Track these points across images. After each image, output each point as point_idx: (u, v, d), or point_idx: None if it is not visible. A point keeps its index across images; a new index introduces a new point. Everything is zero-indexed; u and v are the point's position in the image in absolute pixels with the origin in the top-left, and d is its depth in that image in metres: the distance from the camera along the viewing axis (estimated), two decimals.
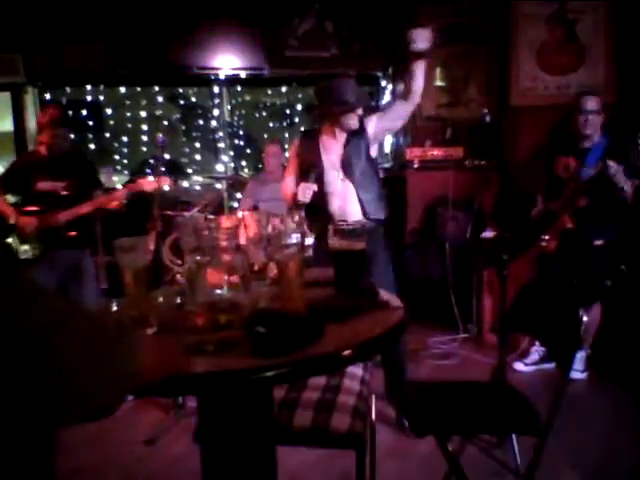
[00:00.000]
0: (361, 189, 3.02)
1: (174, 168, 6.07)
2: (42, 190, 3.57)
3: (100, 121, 6.18)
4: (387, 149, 5.49)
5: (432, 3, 4.98)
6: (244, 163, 6.34)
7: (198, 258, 1.45)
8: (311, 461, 2.59)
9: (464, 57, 5.08)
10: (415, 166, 4.91)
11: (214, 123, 5.67)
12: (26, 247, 3.53)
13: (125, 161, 6.33)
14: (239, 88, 5.85)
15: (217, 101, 5.54)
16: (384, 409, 3.08)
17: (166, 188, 3.76)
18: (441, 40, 4.59)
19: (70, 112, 5.75)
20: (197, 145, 6.44)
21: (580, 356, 3.54)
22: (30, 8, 4.68)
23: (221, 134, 5.59)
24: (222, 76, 5.17)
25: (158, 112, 6.42)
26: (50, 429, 0.91)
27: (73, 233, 3.61)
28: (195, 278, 1.42)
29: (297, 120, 6.70)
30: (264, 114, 6.80)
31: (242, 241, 1.63)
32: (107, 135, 6.36)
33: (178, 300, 1.61)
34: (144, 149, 6.37)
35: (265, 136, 6.63)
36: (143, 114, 6.33)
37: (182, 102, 6.58)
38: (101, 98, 6.07)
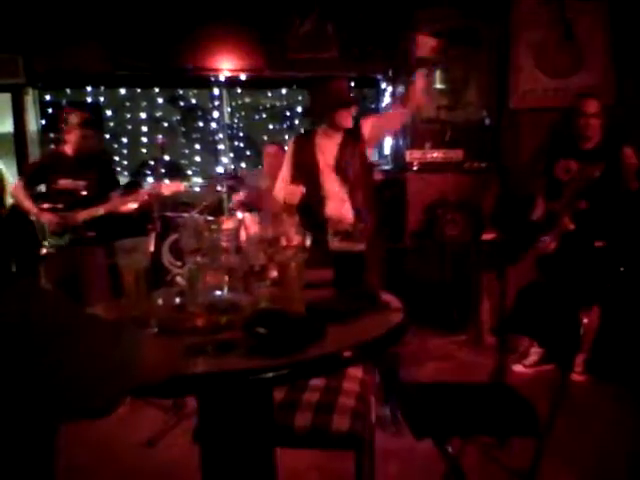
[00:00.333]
0: (354, 192, 3.03)
1: (174, 169, 6.08)
2: (63, 188, 3.65)
3: (100, 122, 6.18)
4: (387, 151, 5.50)
5: (431, 6, 4.99)
6: (244, 165, 6.35)
7: (198, 259, 1.45)
8: (311, 462, 2.59)
9: (463, 60, 5.08)
10: (415, 168, 4.92)
11: (214, 125, 5.68)
12: (45, 243, 3.63)
13: (125, 162, 6.34)
14: (239, 90, 5.86)
15: (217, 103, 5.54)
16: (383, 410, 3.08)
17: (181, 189, 3.82)
18: (446, 46, 4.63)
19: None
20: (197, 147, 6.45)
21: (579, 358, 3.54)
22: (31, 9, 4.69)
23: (221, 136, 5.59)
24: (222, 78, 5.17)
25: (158, 114, 6.44)
26: (50, 427, 0.91)
27: (91, 233, 3.67)
28: (195, 279, 1.42)
29: (297, 122, 6.71)
30: (264, 116, 6.81)
31: (242, 242, 1.64)
32: (107, 136, 6.37)
33: (178, 301, 1.62)
34: (144, 150, 6.38)
35: (265, 138, 6.64)
36: (143, 116, 6.34)
37: (182, 104, 6.59)
38: (101, 99, 6.08)
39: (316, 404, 1.94)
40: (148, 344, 1.03)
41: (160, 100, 6.34)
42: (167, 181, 3.72)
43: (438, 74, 5.11)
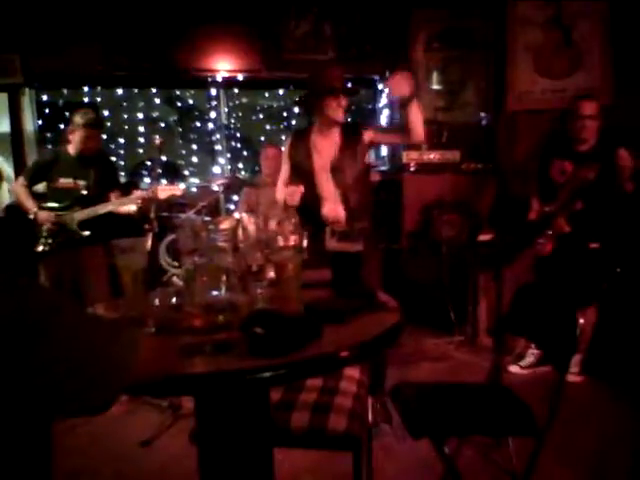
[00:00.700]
0: (350, 193, 3.01)
1: (171, 170, 6.07)
2: (63, 187, 3.68)
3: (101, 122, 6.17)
4: (384, 152, 5.51)
5: (429, 7, 5.00)
6: (241, 165, 6.34)
7: (196, 259, 1.45)
8: (308, 462, 2.59)
9: (461, 61, 5.10)
10: (412, 169, 4.92)
11: (211, 125, 5.67)
12: (42, 241, 3.63)
13: (122, 163, 6.32)
14: (236, 90, 5.85)
15: (214, 103, 5.54)
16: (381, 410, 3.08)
17: (179, 193, 3.83)
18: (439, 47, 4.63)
19: (67, 113, 5.77)
20: (194, 147, 6.43)
21: (575, 359, 3.55)
22: (28, 9, 4.68)
23: (218, 136, 5.59)
24: (219, 78, 5.17)
25: (155, 114, 6.42)
26: (46, 424, 0.91)
27: (87, 232, 3.69)
28: (193, 279, 1.43)
29: (294, 122, 6.71)
30: (261, 117, 6.80)
31: (240, 243, 1.64)
32: (104, 137, 6.35)
33: (175, 301, 1.62)
34: (141, 151, 6.36)
35: (262, 138, 6.64)
36: (140, 116, 6.32)
37: (179, 104, 6.58)
38: (98, 100, 6.06)
39: (313, 404, 1.94)
40: (145, 343, 1.03)
41: (157, 100, 6.32)
42: (164, 183, 3.72)
43: (435, 75, 5.12)
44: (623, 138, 3.44)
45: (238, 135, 6.28)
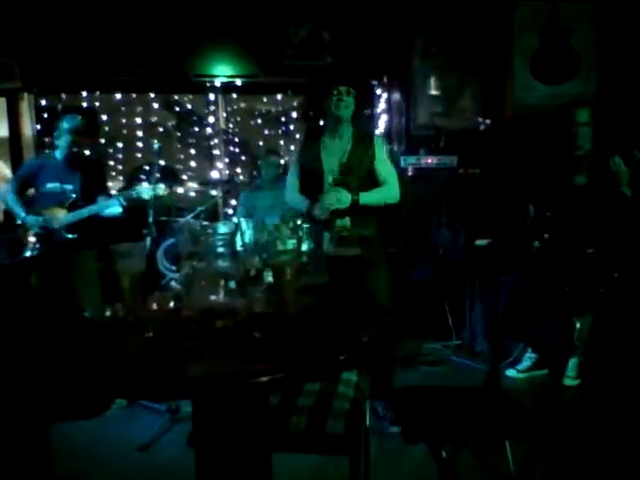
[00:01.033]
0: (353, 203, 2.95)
1: (169, 175, 6.08)
2: (50, 192, 3.69)
3: (95, 127, 6.18)
4: None
5: (426, 12, 5.02)
6: (239, 170, 6.35)
7: (194, 264, 1.46)
8: (306, 467, 2.59)
9: (458, 66, 5.12)
10: (409, 174, 4.93)
11: (209, 130, 5.69)
12: (29, 248, 3.64)
13: (120, 167, 6.33)
14: (235, 95, 5.87)
15: (212, 108, 5.55)
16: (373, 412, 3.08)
17: (162, 193, 3.81)
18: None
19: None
20: (192, 152, 6.44)
21: (572, 363, 3.56)
22: (26, 14, 4.69)
23: (216, 141, 5.60)
24: (218, 83, 5.18)
25: (153, 119, 6.43)
26: (42, 429, 0.92)
27: (71, 235, 3.69)
28: (192, 283, 1.43)
29: (292, 128, 6.72)
30: (259, 121, 6.81)
31: (238, 247, 1.65)
32: (102, 141, 6.36)
33: (173, 305, 1.63)
34: (139, 155, 6.37)
35: (260, 143, 6.65)
36: (138, 121, 6.33)
37: (177, 109, 6.59)
38: (97, 104, 6.07)
39: (311, 408, 1.94)
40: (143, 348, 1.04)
41: (155, 105, 6.34)
42: (146, 184, 3.72)
43: (432, 81, 5.14)
44: (617, 144, 3.46)
45: (236, 140, 6.29)
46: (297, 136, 6.72)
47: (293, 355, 1.22)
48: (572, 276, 3.43)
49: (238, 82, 5.20)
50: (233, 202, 5.26)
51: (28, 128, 5.04)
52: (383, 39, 5.11)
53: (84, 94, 5.74)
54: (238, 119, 6.46)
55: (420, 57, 5.11)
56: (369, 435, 2.27)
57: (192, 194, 5.92)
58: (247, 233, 1.86)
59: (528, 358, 3.77)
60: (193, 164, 6.40)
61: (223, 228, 1.66)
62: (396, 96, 5.12)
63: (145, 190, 3.70)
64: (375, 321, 1.52)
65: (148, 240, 3.49)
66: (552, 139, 3.81)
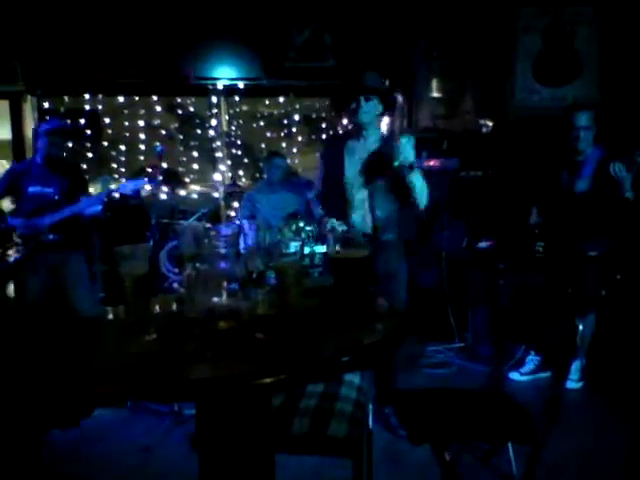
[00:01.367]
0: (376, 204, 2.93)
1: (172, 177, 6.09)
2: (32, 194, 3.72)
3: (98, 130, 6.20)
4: None
5: (429, 15, 5.03)
6: (241, 172, 6.36)
7: (197, 265, 1.46)
8: (308, 468, 2.59)
9: (460, 69, 5.12)
10: None
11: (212, 133, 5.69)
12: (13, 250, 3.65)
13: (123, 170, 6.34)
14: (237, 98, 5.88)
15: (215, 111, 5.57)
16: (381, 416, 3.08)
17: (143, 187, 3.85)
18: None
19: (68, 121, 5.80)
20: (195, 154, 6.45)
21: (575, 365, 3.56)
22: (29, 17, 4.71)
23: (219, 144, 5.61)
24: (220, 86, 5.19)
25: (156, 121, 6.44)
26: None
27: (57, 236, 3.70)
28: (194, 285, 1.43)
29: (295, 130, 6.73)
30: (262, 124, 6.82)
31: (241, 249, 1.65)
32: (105, 144, 6.38)
33: (176, 307, 1.63)
34: (142, 158, 6.38)
35: (263, 146, 6.65)
36: (141, 123, 6.34)
37: (180, 112, 6.60)
38: (99, 107, 6.09)
39: (314, 410, 1.94)
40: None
41: (158, 108, 6.35)
42: (125, 180, 3.75)
43: (434, 83, 5.15)
44: (619, 147, 3.46)
45: (239, 142, 6.30)
46: (299, 138, 6.73)
47: (296, 357, 1.22)
48: (575, 278, 3.43)
49: (240, 85, 5.21)
50: (235, 204, 5.26)
51: (31, 130, 5.06)
52: (385, 42, 5.12)
53: (87, 97, 5.76)
54: (240, 122, 6.47)
55: (422, 60, 5.11)
56: (372, 437, 2.27)
57: (195, 196, 5.92)
58: (250, 235, 1.86)
59: (531, 361, 3.76)
60: (195, 166, 6.41)
61: (226, 230, 1.67)
62: (398, 99, 5.12)
63: (126, 186, 3.74)
64: (381, 323, 1.52)
65: (151, 242, 3.50)
66: (553, 142, 3.81)
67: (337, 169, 3.00)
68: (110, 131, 6.31)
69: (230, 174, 5.75)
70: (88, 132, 6.10)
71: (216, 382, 1.18)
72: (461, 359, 4.15)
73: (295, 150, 6.84)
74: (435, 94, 5.15)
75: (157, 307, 1.66)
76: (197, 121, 6.43)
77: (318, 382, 2.10)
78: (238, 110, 6.35)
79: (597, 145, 3.51)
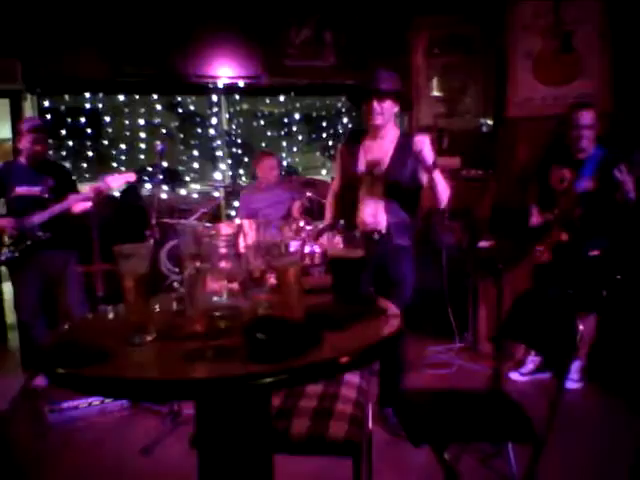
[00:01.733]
0: (390, 207, 2.89)
1: (172, 176, 6.09)
2: (20, 195, 3.73)
3: (98, 129, 6.20)
4: None
5: (429, 14, 5.02)
6: (242, 171, 6.37)
7: (198, 265, 1.46)
8: (308, 469, 2.59)
9: (461, 68, 5.12)
10: None
11: (212, 131, 5.70)
12: (5, 249, 3.67)
13: (123, 169, 6.35)
14: (237, 97, 5.88)
15: (215, 109, 5.57)
16: (381, 417, 3.08)
17: (131, 181, 3.87)
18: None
19: (69, 119, 5.81)
20: (195, 153, 6.46)
21: (576, 366, 3.55)
22: (29, 15, 4.70)
23: (219, 142, 5.61)
24: (220, 85, 5.19)
25: (156, 120, 6.45)
26: None
27: (47, 234, 3.71)
28: (195, 285, 1.43)
29: (295, 129, 6.74)
30: (262, 123, 6.84)
31: (241, 248, 1.64)
32: (105, 142, 6.38)
33: (176, 307, 1.63)
34: (142, 157, 6.39)
35: (263, 144, 6.66)
36: (141, 122, 6.35)
37: (180, 110, 6.61)
38: (100, 106, 6.09)
39: (313, 410, 1.94)
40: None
41: (159, 107, 6.36)
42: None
43: (435, 82, 5.14)
44: (623, 145, 3.45)
45: (239, 141, 6.31)
46: (300, 137, 6.73)
47: (296, 357, 1.22)
48: (576, 278, 3.43)
49: (241, 83, 5.20)
50: (236, 203, 5.26)
51: None
52: (385, 40, 5.11)
53: (87, 95, 5.76)
54: (241, 120, 6.47)
55: (423, 58, 5.11)
56: (372, 437, 2.26)
57: (195, 195, 5.93)
58: (250, 234, 1.85)
59: (531, 361, 3.76)
60: (196, 165, 6.42)
61: (226, 229, 1.66)
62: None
63: (113, 179, 3.75)
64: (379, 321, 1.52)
65: (151, 242, 3.49)
66: (555, 141, 3.81)
67: (352, 167, 2.98)
68: (110, 130, 6.32)
69: (230, 173, 5.75)
70: (88, 131, 6.10)
71: (216, 382, 1.18)
72: (461, 359, 4.15)
73: (295, 149, 6.84)
74: (436, 93, 5.15)
75: (157, 306, 1.66)
76: (197, 120, 6.44)
77: (318, 382, 2.10)
78: (238, 109, 6.36)
79: (598, 144, 3.51)
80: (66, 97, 5.81)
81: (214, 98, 5.49)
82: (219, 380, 1.17)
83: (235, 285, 1.43)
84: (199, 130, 6.40)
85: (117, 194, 4.98)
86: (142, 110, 6.31)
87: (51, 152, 4.15)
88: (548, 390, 1.95)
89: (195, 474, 1.52)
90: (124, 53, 4.92)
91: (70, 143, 6.16)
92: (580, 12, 4.71)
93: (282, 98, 6.42)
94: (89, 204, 3.81)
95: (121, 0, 4.81)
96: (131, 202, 5.00)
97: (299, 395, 2.06)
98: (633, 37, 4.47)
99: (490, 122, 5.05)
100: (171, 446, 2.93)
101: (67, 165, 5.65)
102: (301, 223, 3.63)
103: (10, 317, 4.77)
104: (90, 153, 6.25)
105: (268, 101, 6.75)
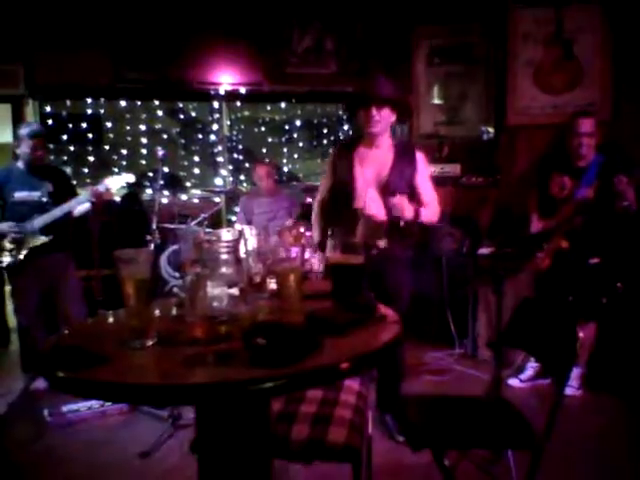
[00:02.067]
0: (394, 217, 2.83)
1: (173, 181, 6.11)
2: (19, 200, 3.74)
3: (100, 134, 6.22)
4: None
5: (430, 23, 5.05)
6: (243, 177, 6.38)
7: (198, 270, 1.46)
8: (307, 474, 2.58)
9: (461, 76, 5.14)
10: None
11: (213, 137, 5.71)
12: (6, 254, 3.67)
13: (124, 174, 6.36)
14: (238, 103, 5.90)
15: (216, 116, 5.58)
16: (381, 422, 3.08)
17: (129, 182, 3.89)
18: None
19: (70, 125, 5.83)
20: (196, 159, 6.48)
21: (575, 373, 3.55)
22: (32, 20, 4.73)
23: (220, 148, 5.63)
24: (222, 91, 5.21)
25: (158, 126, 6.47)
26: None
27: (48, 238, 3.73)
28: (195, 290, 1.43)
29: (296, 136, 6.75)
30: (263, 129, 6.86)
31: (242, 254, 1.65)
32: (107, 148, 6.40)
33: (176, 312, 1.63)
34: (143, 162, 6.41)
35: (264, 151, 6.68)
36: (143, 128, 6.37)
37: (182, 116, 6.63)
38: (101, 111, 6.11)
39: (313, 416, 1.94)
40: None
41: (160, 113, 6.39)
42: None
43: (436, 90, 5.16)
44: (623, 153, 3.46)
45: (240, 147, 6.33)
46: (300, 144, 6.75)
47: (296, 362, 1.22)
48: (576, 286, 3.43)
49: (242, 90, 5.22)
50: (236, 209, 5.28)
51: None
52: (386, 48, 5.13)
53: (89, 101, 5.78)
54: (242, 127, 6.49)
55: (424, 66, 5.13)
56: (371, 443, 2.26)
57: (195, 201, 5.94)
58: (250, 240, 1.86)
59: (531, 367, 3.76)
60: (197, 171, 6.43)
61: (227, 235, 1.67)
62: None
63: (112, 181, 3.76)
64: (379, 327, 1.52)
65: (151, 247, 3.50)
66: (555, 149, 3.82)
67: (347, 177, 2.90)
68: (112, 135, 6.33)
69: (231, 179, 5.76)
70: (90, 136, 6.11)
71: (216, 387, 1.18)
72: (461, 366, 4.15)
73: (296, 155, 6.86)
74: (436, 101, 5.16)
75: (157, 311, 1.66)
76: (198, 126, 6.46)
77: (317, 388, 2.10)
78: (239, 115, 6.38)
79: (598, 152, 3.52)
80: (67, 102, 5.83)
81: (215, 104, 5.51)
82: (219, 385, 1.18)
83: (235, 290, 1.43)
84: (200, 136, 6.42)
85: (118, 199, 4.99)
86: (143, 116, 6.34)
87: (52, 157, 4.15)
88: (548, 397, 1.95)
89: (195, 478, 1.52)
90: (126, 59, 4.95)
91: (71, 148, 6.19)
92: (581, 21, 4.72)
93: (283, 105, 6.44)
94: (88, 205, 3.81)
95: (123, 6, 4.84)
96: (132, 207, 5.01)
97: (299, 400, 2.06)
98: (634, 46, 4.49)
99: (491, 130, 5.06)
100: (171, 450, 2.93)
101: (68, 170, 5.68)
102: (301, 229, 3.64)
103: (12, 320, 4.77)
104: (91, 158, 6.27)
105: (269, 108, 6.78)
